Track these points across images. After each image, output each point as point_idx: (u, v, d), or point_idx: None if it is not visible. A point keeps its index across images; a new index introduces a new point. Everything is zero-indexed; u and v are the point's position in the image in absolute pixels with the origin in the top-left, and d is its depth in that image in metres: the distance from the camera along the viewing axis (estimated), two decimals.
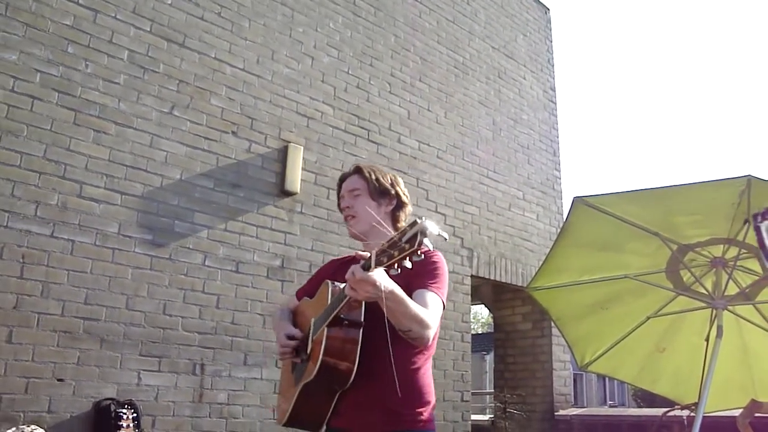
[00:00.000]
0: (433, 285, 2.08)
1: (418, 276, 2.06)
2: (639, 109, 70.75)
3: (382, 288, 1.73)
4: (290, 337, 2.20)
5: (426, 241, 1.57)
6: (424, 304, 1.99)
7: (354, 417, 2.06)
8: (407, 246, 1.58)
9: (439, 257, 2.20)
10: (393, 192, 2.33)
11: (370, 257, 1.69)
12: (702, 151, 69.64)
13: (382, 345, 1.93)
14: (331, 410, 2.07)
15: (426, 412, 2.09)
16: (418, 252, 1.57)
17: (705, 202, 4.04)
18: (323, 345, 1.94)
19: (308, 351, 2.10)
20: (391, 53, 6.72)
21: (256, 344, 5.02)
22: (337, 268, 2.36)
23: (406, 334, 1.93)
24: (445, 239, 1.65)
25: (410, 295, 1.97)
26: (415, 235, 1.56)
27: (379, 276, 1.72)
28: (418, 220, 1.57)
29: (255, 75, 5.54)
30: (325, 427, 2.13)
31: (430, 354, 2.17)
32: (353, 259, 2.33)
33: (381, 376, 2.02)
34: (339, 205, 2.42)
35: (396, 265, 1.61)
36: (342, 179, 2.42)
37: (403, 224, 2.32)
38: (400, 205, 2.35)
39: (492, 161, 7.40)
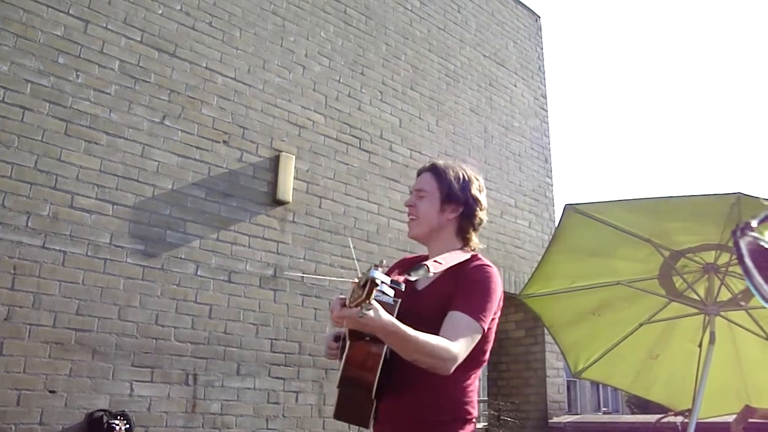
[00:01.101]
0: (473, 308, 1.94)
1: (461, 294, 1.98)
2: (630, 115, 71.13)
3: (369, 324, 1.67)
4: (336, 339, 2.13)
5: (385, 288, 1.55)
6: (453, 329, 1.88)
7: (390, 427, 2.02)
8: (361, 292, 1.57)
9: (491, 273, 2.05)
10: (461, 198, 2.14)
11: (350, 292, 1.67)
12: (693, 155, 70.01)
13: None
14: (372, 413, 1.99)
15: (461, 428, 1.99)
16: (368, 302, 1.56)
17: (696, 211, 4.05)
18: (345, 356, 1.92)
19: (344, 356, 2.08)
20: (382, 62, 6.74)
21: (249, 354, 5.00)
22: (406, 268, 2.19)
23: (416, 364, 1.83)
24: (390, 297, 1.63)
25: (449, 306, 1.93)
26: (365, 283, 1.55)
27: (367, 313, 1.63)
28: (371, 271, 1.54)
29: (246, 84, 5.54)
30: (372, 428, 2.07)
31: (476, 368, 2.05)
32: (423, 258, 2.21)
33: (417, 388, 1.96)
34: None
35: (361, 306, 1.59)
36: (418, 173, 2.26)
37: (471, 235, 2.20)
38: (469, 213, 2.16)
39: (484, 169, 7.40)
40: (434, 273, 1.93)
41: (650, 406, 6.24)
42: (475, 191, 2.18)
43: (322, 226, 5.72)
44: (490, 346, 2.06)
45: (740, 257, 1.53)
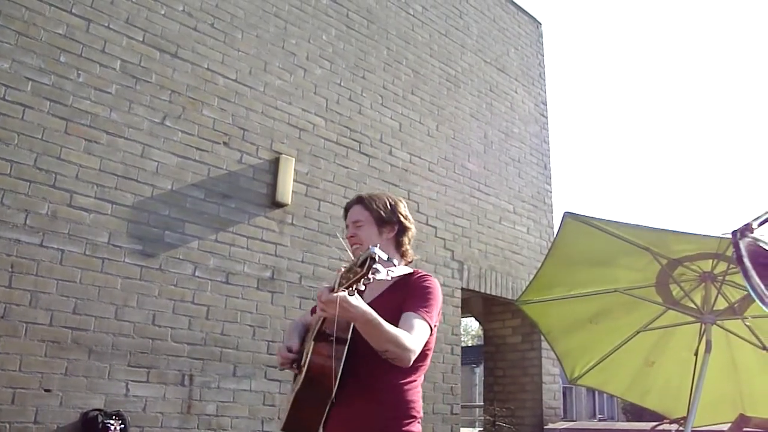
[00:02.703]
0: (422, 309, 2.16)
1: (410, 298, 2.19)
2: (631, 122, 71.16)
3: (351, 310, 1.87)
4: (289, 349, 2.33)
5: (378, 266, 1.74)
6: (409, 326, 2.08)
7: (340, 430, 2.17)
8: (359, 270, 1.76)
9: (433, 282, 2.28)
10: (394, 219, 2.42)
11: (335, 280, 1.86)
12: (696, 160, 70.00)
13: (373, 362, 2.05)
14: (322, 421, 2.16)
15: (410, 427, 2.16)
16: (368, 276, 1.74)
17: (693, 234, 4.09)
18: (308, 358, 2.08)
19: (302, 363, 2.23)
20: (383, 66, 6.75)
21: (245, 356, 5.00)
22: None
23: (384, 355, 2.03)
24: (395, 265, 1.85)
25: (400, 316, 2.12)
26: (365, 260, 1.75)
27: (351, 299, 1.85)
28: (370, 248, 1.75)
29: (247, 86, 5.54)
30: None
31: (420, 372, 2.25)
32: None
33: (368, 391, 2.13)
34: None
35: (353, 286, 1.79)
36: (347, 209, 2.52)
37: (407, 248, 2.46)
38: (402, 230, 2.43)
39: (483, 174, 7.42)
40: (391, 278, 2.12)
41: (645, 413, 6.25)
42: (403, 211, 2.47)
43: (320, 229, 5.72)
44: (431, 347, 2.26)
45: (739, 258, 1.54)
